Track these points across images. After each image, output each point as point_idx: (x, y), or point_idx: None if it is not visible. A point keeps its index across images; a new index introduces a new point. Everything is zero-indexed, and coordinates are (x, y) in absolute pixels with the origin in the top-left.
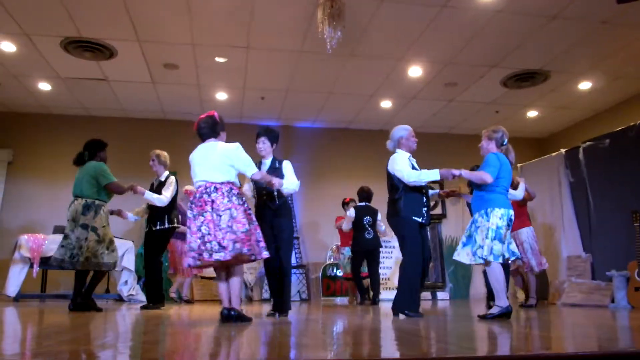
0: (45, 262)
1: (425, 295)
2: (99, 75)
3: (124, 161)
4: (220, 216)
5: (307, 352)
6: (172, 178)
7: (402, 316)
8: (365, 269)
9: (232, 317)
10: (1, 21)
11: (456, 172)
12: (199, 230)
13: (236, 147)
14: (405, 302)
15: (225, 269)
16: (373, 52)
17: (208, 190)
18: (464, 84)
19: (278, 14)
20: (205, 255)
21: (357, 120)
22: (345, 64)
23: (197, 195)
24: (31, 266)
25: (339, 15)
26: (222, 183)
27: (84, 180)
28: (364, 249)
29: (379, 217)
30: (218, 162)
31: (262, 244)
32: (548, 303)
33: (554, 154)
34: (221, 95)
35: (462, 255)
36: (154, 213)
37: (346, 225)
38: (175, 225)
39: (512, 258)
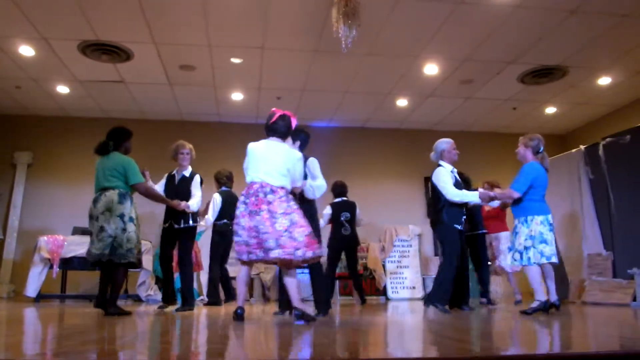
0: (65, 263)
1: None
2: (116, 78)
3: (141, 162)
4: (277, 219)
5: (324, 351)
6: (199, 177)
7: (432, 308)
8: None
9: (297, 317)
10: (20, 26)
11: (492, 194)
12: (256, 228)
13: (300, 157)
14: (437, 297)
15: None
16: (388, 51)
17: (264, 190)
18: (481, 81)
19: (293, 14)
20: (260, 253)
21: (373, 119)
22: (361, 63)
23: (251, 192)
24: (51, 267)
25: (354, 14)
26: (277, 187)
27: (110, 172)
28: (341, 245)
29: (358, 210)
30: (280, 164)
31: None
32: (568, 302)
33: (573, 150)
34: (237, 96)
35: (509, 259)
36: (175, 210)
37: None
38: (197, 223)
39: (555, 260)
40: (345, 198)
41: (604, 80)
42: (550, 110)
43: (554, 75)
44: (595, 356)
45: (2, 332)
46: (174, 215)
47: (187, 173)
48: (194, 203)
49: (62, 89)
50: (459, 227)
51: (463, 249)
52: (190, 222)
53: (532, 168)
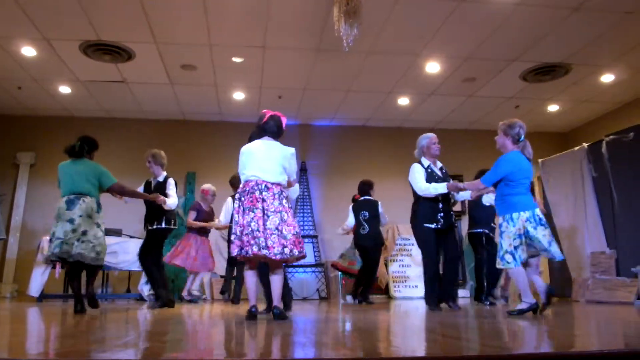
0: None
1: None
2: (118, 78)
3: (143, 162)
4: (269, 217)
5: (327, 350)
6: (172, 180)
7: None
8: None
9: (275, 315)
10: (22, 26)
11: (461, 185)
12: (249, 225)
13: (293, 152)
14: (428, 298)
15: (256, 266)
16: (390, 49)
17: (259, 187)
18: (483, 79)
19: (294, 13)
20: (255, 248)
21: (374, 117)
22: (362, 62)
23: (247, 189)
24: (54, 267)
25: (355, 13)
26: (273, 183)
27: (86, 178)
28: (360, 244)
29: (380, 209)
30: (275, 162)
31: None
32: (571, 300)
33: (576, 148)
34: (238, 95)
35: (498, 262)
36: (152, 213)
37: (348, 222)
38: (172, 226)
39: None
40: (367, 197)
41: (607, 78)
42: (553, 107)
43: (557, 72)
44: (600, 355)
45: (5, 331)
46: (149, 219)
47: (161, 178)
48: (170, 201)
49: (64, 89)
50: (433, 226)
51: (445, 246)
52: (163, 224)
53: (507, 160)
